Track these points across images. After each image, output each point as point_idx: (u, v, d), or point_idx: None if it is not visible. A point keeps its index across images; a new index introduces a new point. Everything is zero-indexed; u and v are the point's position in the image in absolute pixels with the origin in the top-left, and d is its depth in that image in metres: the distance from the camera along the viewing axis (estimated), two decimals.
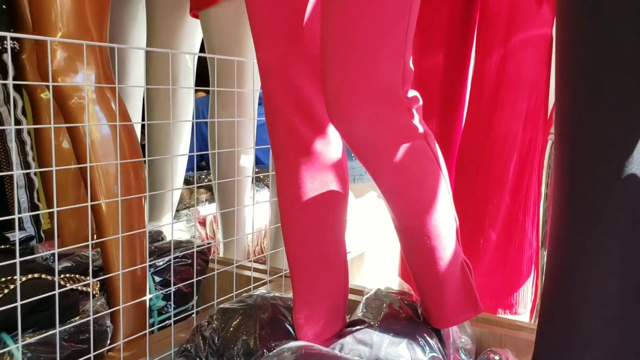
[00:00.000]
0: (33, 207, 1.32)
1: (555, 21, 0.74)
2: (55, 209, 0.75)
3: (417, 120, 0.81)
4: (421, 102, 0.83)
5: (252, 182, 1.58)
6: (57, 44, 0.98)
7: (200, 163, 2.53)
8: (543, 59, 1.25)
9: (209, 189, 2.07)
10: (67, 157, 1.31)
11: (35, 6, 1.02)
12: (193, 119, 1.46)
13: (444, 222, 0.87)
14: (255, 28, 0.88)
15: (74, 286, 0.87)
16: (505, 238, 1.28)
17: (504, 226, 1.28)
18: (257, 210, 1.66)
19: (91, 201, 0.98)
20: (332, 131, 0.91)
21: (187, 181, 2.16)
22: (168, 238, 1.42)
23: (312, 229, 0.93)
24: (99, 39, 1.03)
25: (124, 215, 0.98)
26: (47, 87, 1.01)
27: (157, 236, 1.34)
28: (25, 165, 1.26)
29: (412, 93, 0.81)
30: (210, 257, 1.33)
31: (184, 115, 1.60)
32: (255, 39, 0.89)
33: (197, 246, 1.22)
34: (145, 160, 1.06)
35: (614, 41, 0.68)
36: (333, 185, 0.91)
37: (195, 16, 1.47)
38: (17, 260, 0.70)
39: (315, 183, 0.90)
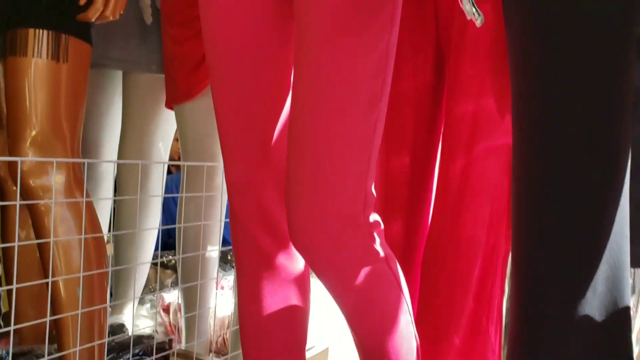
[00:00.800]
0: None
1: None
2: (18, 327, 0.74)
3: (378, 244, 0.83)
4: (382, 226, 0.85)
5: (217, 272, 1.58)
6: (29, 145, 1.00)
7: (167, 240, 2.49)
8: (505, 168, 1.29)
9: (175, 269, 2.05)
10: (33, 246, 1.30)
11: (11, 103, 1.03)
12: (159, 225, 1.48)
13: (404, 342, 0.88)
14: (225, 145, 0.91)
15: None
16: (469, 343, 1.28)
17: (468, 331, 1.29)
18: (222, 298, 1.65)
19: (52, 297, 0.97)
20: None
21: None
22: (130, 327, 1.40)
23: (271, 343, 0.93)
24: (72, 139, 1.05)
25: (86, 319, 0.97)
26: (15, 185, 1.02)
27: (118, 330, 1.32)
28: None
29: (373, 217, 0.83)
30: (172, 351, 1.31)
31: (153, 207, 1.61)
32: (224, 156, 0.91)
33: (157, 343, 1.21)
34: (109, 270, 1.06)
35: (568, 168, 0.71)
36: (294, 299, 0.92)
37: (171, 108, 1.50)
38: None
39: (276, 298, 0.91)
